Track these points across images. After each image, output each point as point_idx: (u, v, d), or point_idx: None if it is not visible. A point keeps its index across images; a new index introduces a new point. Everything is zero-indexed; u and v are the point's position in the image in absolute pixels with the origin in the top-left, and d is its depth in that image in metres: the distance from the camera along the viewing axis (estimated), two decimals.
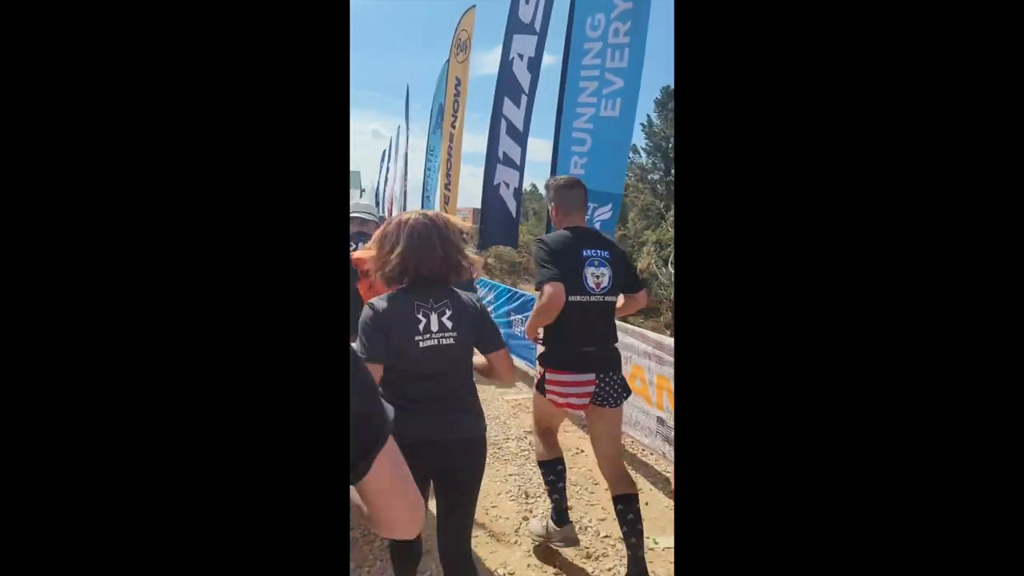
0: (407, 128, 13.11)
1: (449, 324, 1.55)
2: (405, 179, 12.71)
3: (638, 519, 2.09)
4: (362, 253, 1.90)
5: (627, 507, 2.08)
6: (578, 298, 2.05)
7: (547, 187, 2.39)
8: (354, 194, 16.51)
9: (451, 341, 1.55)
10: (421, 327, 1.52)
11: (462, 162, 7.69)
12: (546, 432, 2.33)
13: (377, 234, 1.62)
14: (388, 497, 0.68)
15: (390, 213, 13.00)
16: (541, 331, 2.15)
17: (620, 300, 2.25)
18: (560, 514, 2.29)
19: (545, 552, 2.36)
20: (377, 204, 13.98)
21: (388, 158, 14.79)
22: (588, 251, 2.11)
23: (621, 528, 2.11)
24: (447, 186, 7.99)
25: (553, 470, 2.29)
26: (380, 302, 1.54)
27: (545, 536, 2.34)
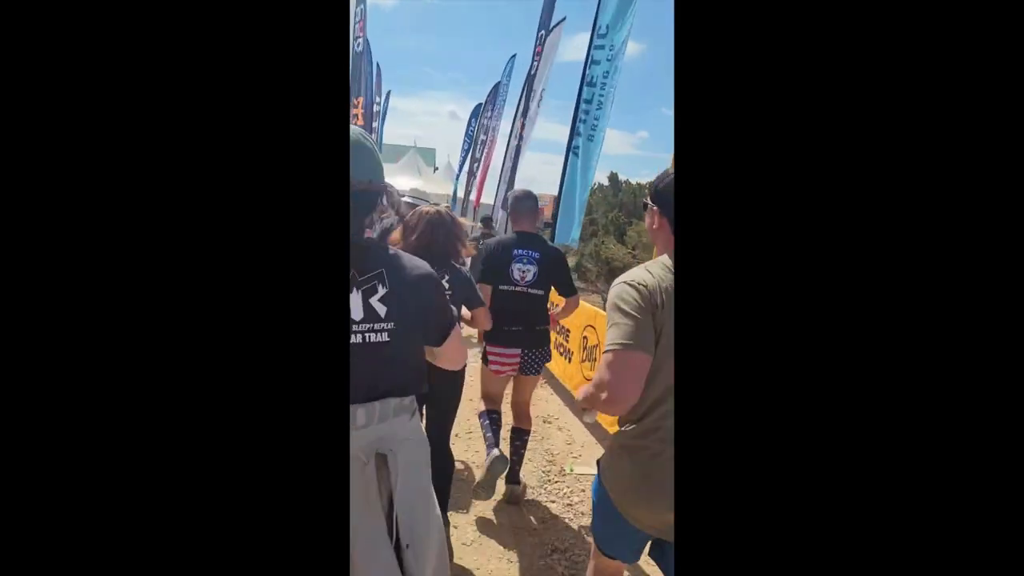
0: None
1: (446, 285, 2.03)
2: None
3: (523, 446, 2.85)
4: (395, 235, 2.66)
5: (517, 437, 2.84)
6: (506, 287, 2.59)
7: (505, 198, 3.24)
8: (427, 171, 15.45)
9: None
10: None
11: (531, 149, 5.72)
12: (487, 398, 2.78)
13: (405, 220, 2.10)
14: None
15: (479, 195, 11.39)
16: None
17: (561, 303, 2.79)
18: (491, 447, 2.57)
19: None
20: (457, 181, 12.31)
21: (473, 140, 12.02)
22: (519, 251, 2.61)
23: (510, 450, 2.82)
24: None
25: (489, 416, 2.69)
26: None
27: (485, 477, 2.52)
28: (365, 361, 1.06)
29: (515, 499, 2.79)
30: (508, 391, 2.84)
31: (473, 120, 11.59)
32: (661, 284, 1.11)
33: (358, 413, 1.05)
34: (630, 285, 1.13)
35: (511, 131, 7.74)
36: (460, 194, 11.36)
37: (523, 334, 2.61)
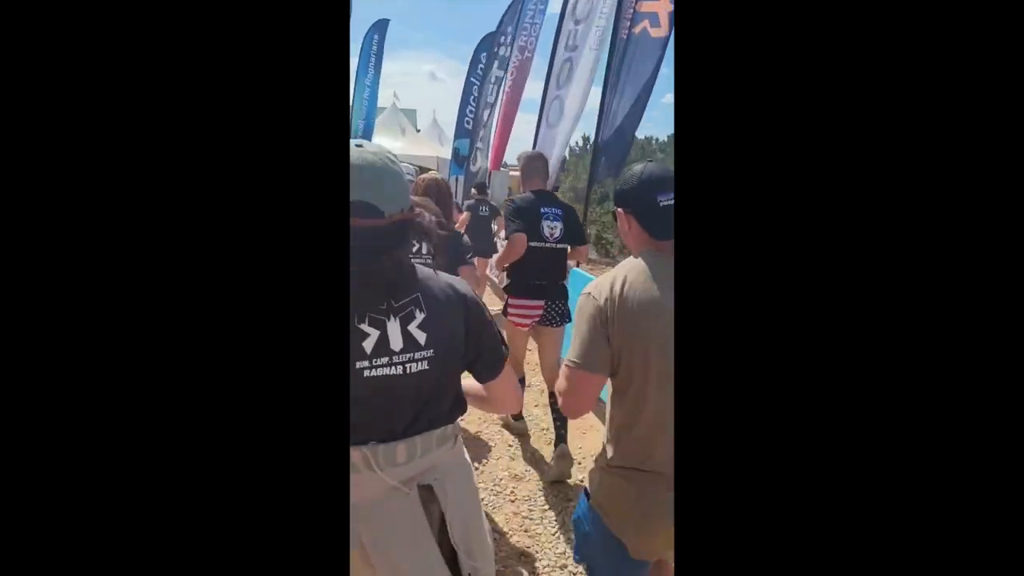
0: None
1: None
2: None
3: None
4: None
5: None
6: (537, 244, 2.76)
7: (517, 159, 3.31)
8: (411, 131, 14.29)
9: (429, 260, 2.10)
10: (414, 250, 2.05)
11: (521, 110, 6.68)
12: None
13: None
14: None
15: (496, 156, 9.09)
16: (506, 268, 2.86)
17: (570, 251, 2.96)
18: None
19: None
20: (466, 149, 9.54)
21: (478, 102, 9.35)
22: (545, 208, 2.80)
23: (552, 414, 2.91)
24: None
25: None
26: None
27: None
28: (407, 393, 0.99)
29: (564, 475, 2.80)
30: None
31: (482, 59, 8.65)
32: (618, 295, 1.06)
33: (397, 449, 0.97)
34: (587, 296, 1.11)
35: (553, 55, 4.95)
36: (470, 157, 8.51)
37: (547, 287, 2.82)
